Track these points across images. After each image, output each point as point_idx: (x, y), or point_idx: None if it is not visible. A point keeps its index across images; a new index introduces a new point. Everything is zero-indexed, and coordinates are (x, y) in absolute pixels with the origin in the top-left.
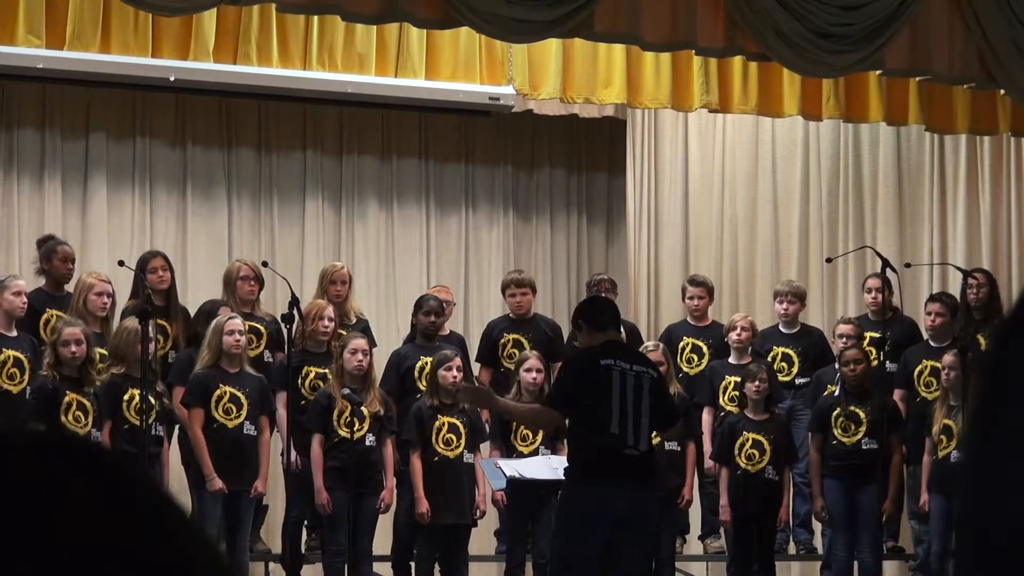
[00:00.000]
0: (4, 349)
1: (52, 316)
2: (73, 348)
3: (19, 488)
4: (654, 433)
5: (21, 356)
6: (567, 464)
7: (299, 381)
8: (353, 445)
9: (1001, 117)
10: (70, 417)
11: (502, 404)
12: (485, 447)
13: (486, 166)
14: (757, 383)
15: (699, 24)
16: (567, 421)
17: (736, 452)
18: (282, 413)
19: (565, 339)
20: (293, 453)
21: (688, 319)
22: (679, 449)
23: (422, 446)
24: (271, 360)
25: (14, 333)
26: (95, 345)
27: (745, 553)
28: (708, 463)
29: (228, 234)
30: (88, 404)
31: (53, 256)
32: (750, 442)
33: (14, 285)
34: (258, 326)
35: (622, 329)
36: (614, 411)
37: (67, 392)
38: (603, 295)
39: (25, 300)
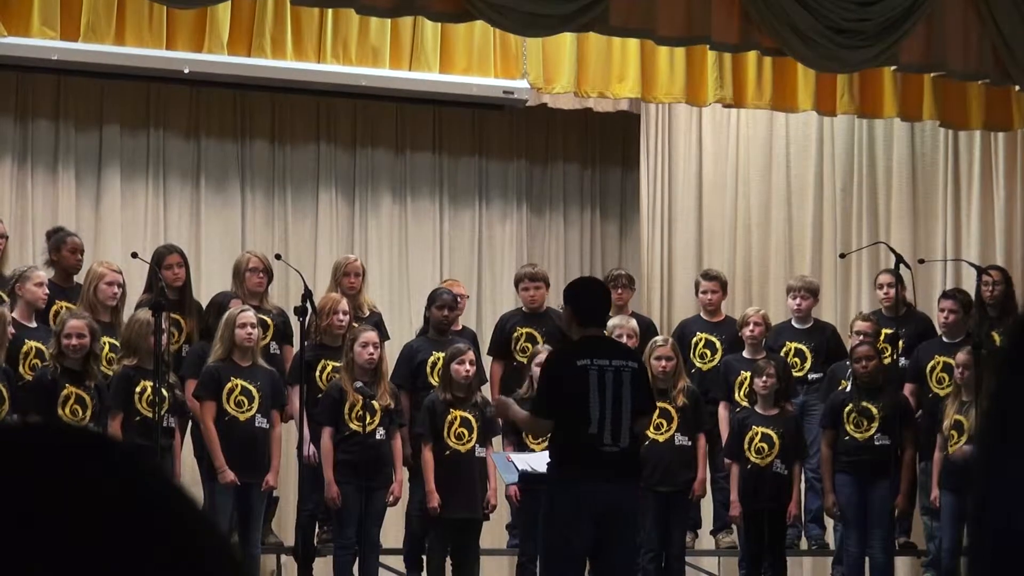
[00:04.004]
0: (27, 340)
1: (61, 307)
2: (74, 340)
3: (25, 481)
4: (664, 424)
5: (43, 347)
6: (549, 462)
7: (316, 374)
8: (364, 439)
9: (1016, 113)
10: (67, 410)
11: (513, 413)
12: (497, 441)
13: (500, 160)
14: (764, 379)
15: (714, 19)
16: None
17: (745, 446)
18: (298, 406)
19: None
20: (310, 447)
21: (701, 314)
22: (689, 443)
23: (434, 440)
24: (277, 352)
25: (34, 324)
26: (102, 337)
27: (757, 548)
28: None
29: (241, 226)
30: (87, 398)
31: (62, 247)
32: (759, 436)
33: (35, 276)
34: (265, 318)
35: (633, 323)
36: (592, 411)
37: (66, 385)
38: (611, 287)
39: (47, 291)
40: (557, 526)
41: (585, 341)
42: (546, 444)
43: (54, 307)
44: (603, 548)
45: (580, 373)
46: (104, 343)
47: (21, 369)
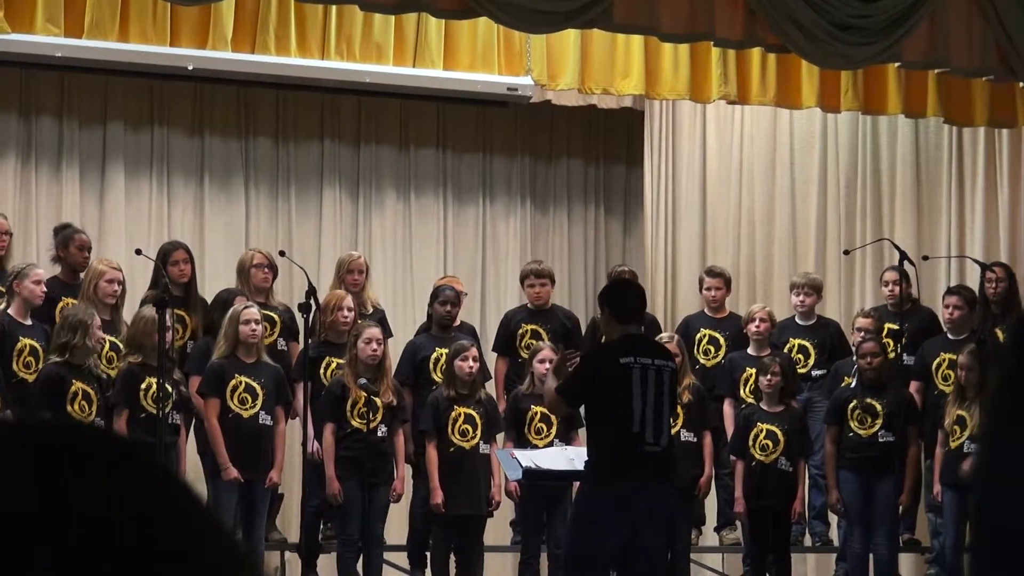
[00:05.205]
0: (21, 337)
1: (68, 304)
2: (103, 336)
3: (34, 474)
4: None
5: (36, 344)
6: (587, 461)
7: (321, 371)
8: (367, 436)
9: (1020, 109)
10: (75, 407)
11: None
12: (501, 438)
13: (504, 157)
14: (769, 376)
15: (718, 15)
16: (585, 419)
17: (750, 443)
18: (302, 403)
19: (583, 330)
20: (314, 443)
21: (705, 310)
22: (695, 440)
23: (438, 437)
24: (285, 348)
25: (29, 322)
26: (104, 334)
27: (760, 545)
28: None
29: (245, 223)
30: (93, 393)
31: (70, 244)
32: (764, 433)
33: (34, 274)
34: (272, 314)
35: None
36: (635, 410)
37: (73, 381)
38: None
39: (44, 289)
40: (593, 526)
41: (626, 339)
42: (549, 441)
43: (60, 304)
44: (632, 548)
45: (623, 371)
46: (105, 341)
47: (15, 367)
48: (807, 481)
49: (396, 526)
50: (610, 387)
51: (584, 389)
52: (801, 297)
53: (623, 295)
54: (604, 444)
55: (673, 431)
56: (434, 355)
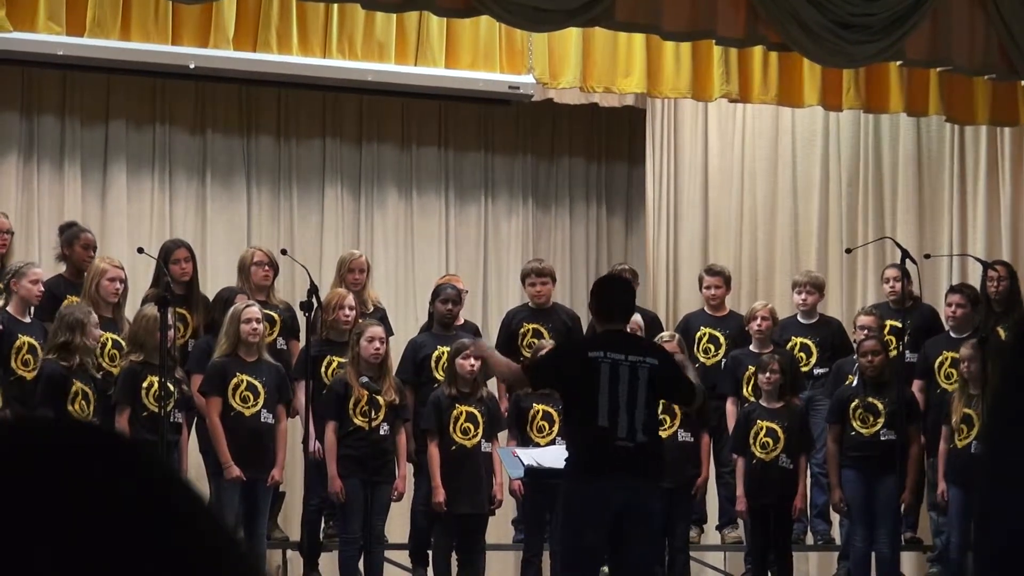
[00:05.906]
0: (19, 335)
1: (73, 303)
2: (102, 335)
3: (34, 473)
4: (667, 420)
5: (35, 342)
6: (566, 458)
7: (322, 370)
8: (368, 434)
9: (1022, 108)
10: (76, 406)
11: (493, 359)
12: (503, 436)
13: (505, 155)
14: (768, 374)
15: (720, 14)
16: (561, 416)
17: (751, 441)
18: (303, 402)
19: (584, 329)
20: (315, 442)
21: (705, 308)
22: (692, 440)
23: (440, 435)
24: (284, 347)
25: (28, 319)
26: (104, 333)
27: (762, 543)
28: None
29: (247, 222)
30: (90, 392)
31: (75, 243)
32: (764, 430)
33: (32, 273)
34: (272, 313)
35: (637, 317)
36: (601, 404)
37: (75, 381)
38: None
39: (42, 289)
40: (573, 523)
41: (603, 335)
42: (552, 439)
43: (65, 302)
44: (620, 546)
45: (590, 365)
46: (107, 339)
47: (13, 364)
48: (808, 478)
49: (398, 524)
50: (576, 381)
51: (548, 373)
52: (803, 295)
53: (604, 292)
54: (577, 441)
55: (670, 431)
56: (435, 353)
